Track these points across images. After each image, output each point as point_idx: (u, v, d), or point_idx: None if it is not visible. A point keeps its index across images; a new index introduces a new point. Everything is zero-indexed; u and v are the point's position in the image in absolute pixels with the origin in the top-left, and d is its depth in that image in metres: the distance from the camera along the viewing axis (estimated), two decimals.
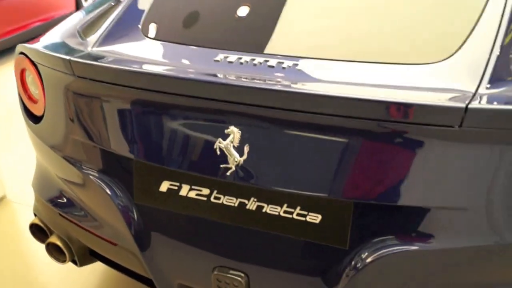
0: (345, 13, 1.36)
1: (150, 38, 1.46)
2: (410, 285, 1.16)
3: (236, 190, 1.19)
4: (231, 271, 1.27)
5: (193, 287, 1.39)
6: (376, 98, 1.04)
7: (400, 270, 1.13)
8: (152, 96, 1.23)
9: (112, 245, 1.46)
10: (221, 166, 1.17)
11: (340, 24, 1.34)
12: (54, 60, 1.36)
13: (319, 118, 1.08)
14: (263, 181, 1.16)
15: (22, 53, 1.52)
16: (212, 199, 1.23)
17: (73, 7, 5.21)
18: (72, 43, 1.50)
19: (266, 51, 1.29)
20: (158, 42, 1.44)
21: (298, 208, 1.15)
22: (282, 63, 1.23)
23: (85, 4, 5.36)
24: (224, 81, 1.17)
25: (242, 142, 1.14)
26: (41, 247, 2.14)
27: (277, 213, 1.17)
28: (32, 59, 1.47)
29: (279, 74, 1.20)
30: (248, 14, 1.42)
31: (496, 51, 1.14)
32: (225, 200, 1.22)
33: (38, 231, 1.73)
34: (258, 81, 1.15)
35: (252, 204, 1.19)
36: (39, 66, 1.46)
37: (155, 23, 1.52)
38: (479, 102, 1.00)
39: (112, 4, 1.77)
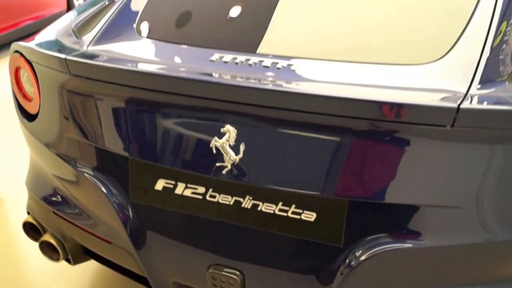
0: (339, 14, 1.37)
1: (145, 37, 1.47)
2: (403, 282, 1.18)
3: (231, 188, 1.21)
4: (226, 269, 1.28)
5: (188, 285, 1.40)
6: (369, 98, 1.06)
7: (393, 268, 1.15)
8: (148, 94, 1.24)
9: (107, 243, 1.46)
10: (217, 164, 1.18)
11: (333, 25, 1.36)
12: (49, 58, 1.37)
13: (313, 117, 1.10)
14: (259, 180, 1.17)
15: (17, 51, 1.52)
16: (207, 197, 1.24)
17: (64, 5, 5.18)
18: (67, 41, 1.50)
19: (261, 51, 1.30)
20: (153, 41, 1.44)
21: (293, 206, 1.17)
22: (277, 63, 1.24)
23: (76, 2, 5.34)
24: (219, 80, 1.19)
25: (238, 140, 1.16)
26: (35, 245, 2.13)
27: (272, 211, 1.19)
28: (27, 57, 1.47)
29: (274, 74, 1.22)
30: (243, 14, 1.43)
31: (487, 52, 1.16)
32: (221, 198, 1.23)
33: (31, 229, 1.73)
34: (253, 81, 1.17)
35: (247, 203, 1.20)
36: (34, 65, 1.46)
37: (150, 22, 1.53)
38: (471, 102, 1.03)
39: (107, 3, 1.77)
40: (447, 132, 1.02)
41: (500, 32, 1.21)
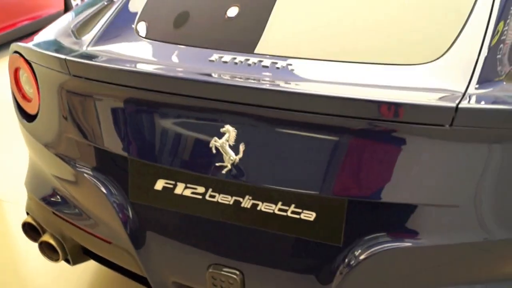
0: (337, 14, 1.38)
1: (144, 38, 1.47)
2: (402, 282, 1.18)
3: (231, 188, 1.21)
4: (226, 269, 1.28)
5: (188, 285, 1.40)
6: (368, 97, 1.07)
7: (393, 267, 1.16)
8: (147, 95, 1.24)
9: (107, 243, 1.46)
10: (217, 164, 1.19)
11: (332, 25, 1.36)
12: (49, 59, 1.37)
13: (313, 117, 1.10)
14: (258, 179, 1.18)
15: (16, 52, 1.53)
16: (207, 197, 1.25)
17: (61, 6, 5.17)
18: (67, 42, 1.50)
19: (260, 51, 1.30)
20: (152, 42, 1.45)
21: (293, 206, 1.17)
22: (276, 63, 1.25)
23: (74, 3, 5.33)
24: (219, 80, 1.19)
25: (237, 140, 1.16)
26: (33, 246, 2.13)
27: (271, 211, 1.19)
28: (27, 58, 1.47)
29: (273, 74, 1.22)
30: (242, 14, 1.43)
31: (484, 51, 1.17)
32: (220, 198, 1.23)
33: (30, 230, 1.73)
34: (252, 81, 1.17)
35: (247, 202, 1.21)
36: (33, 65, 1.46)
37: (149, 23, 1.53)
38: (469, 102, 1.03)
39: (105, 3, 1.77)
40: (446, 132, 1.03)
41: (498, 32, 1.22)
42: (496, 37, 1.21)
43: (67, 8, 5.23)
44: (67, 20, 1.73)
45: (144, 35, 1.47)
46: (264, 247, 1.25)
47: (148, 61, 1.37)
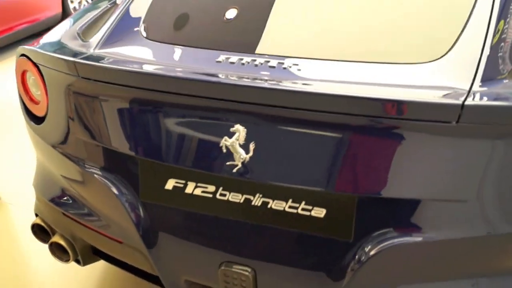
0: (342, 14, 1.39)
1: (150, 39, 1.48)
2: (411, 276, 1.20)
3: (241, 186, 1.23)
4: (238, 266, 1.30)
5: (200, 283, 1.42)
6: (376, 96, 1.09)
7: (402, 261, 1.18)
8: (157, 96, 1.26)
9: (118, 243, 1.48)
10: (227, 163, 1.21)
11: (337, 26, 1.38)
12: (58, 61, 1.38)
13: (322, 115, 1.12)
14: (268, 177, 1.20)
15: (23, 55, 1.54)
16: (217, 196, 1.26)
17: (59, 8, 5.16)
18: (74, 45, 1.52)
19: (267, 52, 1.32)
20: (158, 44, 1.46)
21: (303, 203, 1.19)
22: (283, 63, 1.27)
23: (71, 5, 5.32)
24: (228, 81, 1.21)
25: (247, 139, 1.18)
26: (39, 248, 2.15)
27: (282, 209, 1.21)
28: (35, 61, 1.49)
29: (280, 74, 1.24)
30: (248, 16, 1.45)
31: (487, 50, 1.19)
32: (231, 196, 1.25)
33: (40, 231, 1.74)
34: (260, 81, 1.19)
35: (257, 200, 1.23)
36: (41, 68, 1.48)
37: (154, 25, 1.54)
38: (474, 99, 1.06)
39: (109, 6, 1.79)
40: (452, 128, 1.05)
41: (498, 31, 1.24)
42: (497, 36, 1.23)
43: (64, 10, 5.22)
44: (71, 23, 1.74)
45: (149, 37, 1.49)
46: (275, 244, 1.27)
47: (156, 62, 1.38)
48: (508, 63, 1.21)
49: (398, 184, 1.13)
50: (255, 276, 1.30)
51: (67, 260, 1.70)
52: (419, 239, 1.14)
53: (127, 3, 1.62)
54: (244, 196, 1.24)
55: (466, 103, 1.02)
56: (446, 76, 1.17)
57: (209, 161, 1.24)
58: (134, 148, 1.33)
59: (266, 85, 1.17)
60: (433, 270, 1.20)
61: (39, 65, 1.48)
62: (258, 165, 1.19)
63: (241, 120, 1.18)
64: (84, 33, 1.60)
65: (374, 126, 1.10)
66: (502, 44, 1.23)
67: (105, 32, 1.52)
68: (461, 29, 1.25)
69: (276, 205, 1.22)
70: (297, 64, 1.26)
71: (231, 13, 1.46)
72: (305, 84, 1.21)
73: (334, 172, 1.16)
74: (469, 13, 1.28)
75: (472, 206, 1.12)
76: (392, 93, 1.12)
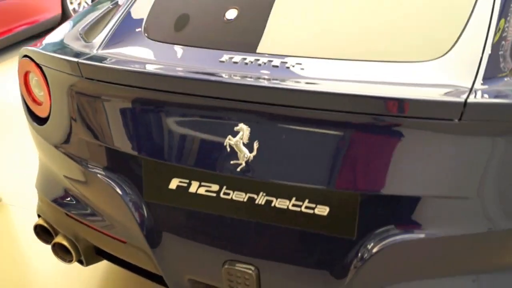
0: (344, 13, 1.40)
1: (152, 40, 1.49)
2: (414, 272, 1.21)
3: (245, 185, 1.24)
4: (242, 265, 1.31)
5: (204, 282, 1.42)
6: (379, 94, 1.10)
7: (405, 258, 1.19)
8: (160, 96, 1.27)
9: (121, 242, 1.49)
10: (231, 162, 1.21)
11: (339, 25, 1.39)
12: (61, 62, 1.39)
13: (326, 114, 1.13)
14: (272, 176, 1.20)
15: (26, 56, 1.54)
16: (221, 195, 1.27)
17: (59, 9, 5.16)
18: (77, 46, 1.52)
19: (270, 51, 1.33)
20: (160, 44, 1.47)
21: (307, 201, 1.20)
22: (286, 62, 1.28)
23: (71, 6, 5.32)
24: (232, 80, 1.21)
25: (251, 138, 1.19)
26: (41, 249, 2.16)
27: (285, 207, 1.22)
28: (38, 62, 1.49)
29: (283, 73, 1.25)
30: (250, 16, 1.46)
31: (488, 49, 1.20)
32: (235, 195, 1.26)
33: (42, 232, 1.74)
34: (264, 80, 1.20)
35: (261, 199, 1.23)
36: (44, 69, 1.48)
37: (156, 25, 1.55)
38: (477, 97, 1.07)
39: (110, 6, 1.79)
40: (455, 126, 1.06)
41: (499, 29, 1.25)
42: (498, 34, 1.24)
43: (64, 12, 5.23)
44: (73, 24, 1.75)
45: (151, 37, 1.50)
46: (278, 242, 1.27)
47: (160, 62, 1.39)
48: (509, 61, 1.22)
49: (401, 182, 1.13)
50: (258, 275, 1.30)
51: (70, 261, 1.70)
52: (422, 236, 1.15)
53: (130, 3, 1.63)
54: (248, 194, 1.24)
55: (468, 100, 1.03)
56: (448, 74, 1.18)
57: (213, 160, 1.25)
58: (138, 148, 1.33)
59: (269, 84, 1.18)
60: (435, 267, 1.21)
61: (42, 66, 1.49)
62: (262, 163, 1.19)
63: (245, 119, 1.19)
64: (87, 34, 1.61)
65: (377, 124, 1.11)
66: (503, 42, 1.24)
67: (108, 33, 1.53)
68: (462, 28, 1.26)
69: (279, 203, 1.22)
70: (300, 63, 1.26)
71: (233, 13, 1.47)
72: (308, 83, 1.22)
73: (337, 170, 1.16)
74: (470, 12, 1.29)
75: (474, 203, 1.13)
76: (395, 91, 1.13)
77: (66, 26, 1.76)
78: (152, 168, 1.34)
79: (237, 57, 1.31)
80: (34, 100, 1.59)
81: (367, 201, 1.17)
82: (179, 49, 1.43)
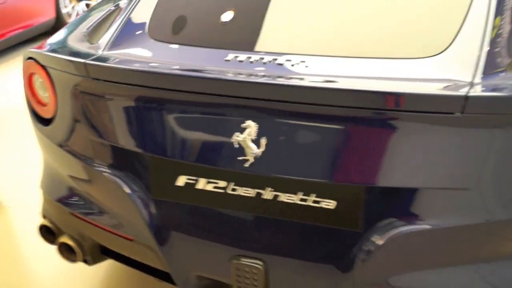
0: (346, 12, 1.44)
1: (157, 40, 1.51)
2: (419, 263, 1.24)
3: (252, 181, 1.26)
4: (249, 260, 1.33)
5: (212, 278, 1.44)
6: (385, 90, 1.13)
7: (410, 249, 1.22)
8: (167, 94, 1.29)
9: (128, 240, 1.50)
10: (239, 158, 1.24)
11: (342, 23, 1.42)
12: (68, 63, 1.41)
13: (331, 110, 1.16)
14: (279, 171, 1.23)
15: (30, 58, 1.56)
16: (229, 191, 1.29)
17: (53, 13, 5.16)
18: (82, 47, 1.54)
19: (274, 50, 1.36)
20: (165, 44, 1.49)
21: (313, 195, 1.23)
22: (290, 60, 1.30)
23: (64, 10, 5.32)
24: (238, 78, 1.24)
25: (258, 135, 1.21)
26: (43, 251, 2.16)
27: (292, 201, 1.24)
28: (43, 63, 1.51)
29: (288, 71, 1.28)
30: (255, 16, 1.48)
31: (486, 44, 1.24)
32: (242, 191, 1.28)
33: (47, 233, 1.75)
34: (269, 78, 1.23)
35: (268, 194, 1.26)
36: (50, 70, 1.50)
37: (160, 26, 1.57)
38: (477, 91, 1.10)
39: (113, 8, 1.81)
40: (457, 119, 1.10)
41: (496, 26, 1.29)
42: (495, 31, 1.28)
43: (58, 15, 5.22)
44: (75, 26, 1.76)
45: (156, 38, 1.52)
46: (286, 236, 1.30)
47: (166, 62, 1.41)
48: (506, 57, 1.25)
49: (405, 174, 1.17)
50: (266, 269, 1.33)
51: (75, 260, 1.71)
52: (425, 227, 1.18)
53: (133, 5, 1.65)
54: (255, 190, 1.27)
55: (469, 94, 1.07)
56: (449, 69, 1.21)
57: (220, 157, 1.27)
58: (145, 146, 1.35)
59: (274, 81, 1.21)
60: (438, 257, 1.24)
61: (47, 68, 1.50)
62: (269, 159, 1.22)
63: (252, 116, 1.21)
64: (91, 36, 1.62)
65: (381, 118, 1.15)
66: (499, 39, 1.27)
67: (113, 34, 1.55)
68: (460, 25, 1.29)
69: (286, 198, 1.25)
70: (304, 61, 1.29)
71: (237, 13, 1.49)
72: (313, 79, 1.25)
73: (343, 164, 1.20)
74: (467, 9, 1.33)
75: (476, 194, 1.16)
76: (399, 86, 1.16)
77: (68, 28, 1.77)
78: (159, 166, 1.36)
79: (242, 56, 1.33)
80: (38, 102, 1.60)
81: (373, 194, 1.20)
82: (184, 49, 1.45)
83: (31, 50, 1.56)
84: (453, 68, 1.21)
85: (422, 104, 1.11)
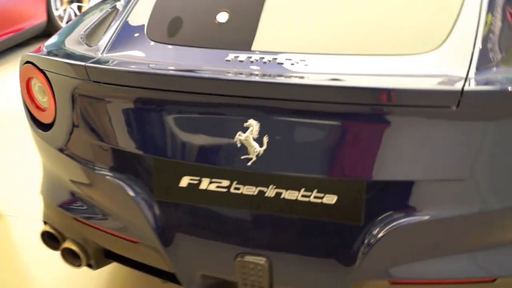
0: (345, 11, 1.45)
1: (156, 42, 1.51)
2: (419, 254, 1.27)
3: (255, 179, 1.27)
4: (254, 257, 1.34)
5: (217, 276, 1.45)
6: (384, 86, 1.15)
7: (410, 240, 1.24)
8: (169, 95, 1.30)
9: (133, 243, 1.51)
10: (242, 157, 1.25)
11: (339, 21, 1.43)
12: (67, 67, 1.40)
13: (331, 106, 1.18)
14: (282, 168, 1.24)
15: (28, 62, 1.55)
16: (232, 190, 1.30)
17: (44, 16, 5.13)
18: (80, 50, 1.53)
19: (273, 49, 1.37)
20: (164, 46, 1.49)
21: (315, 191, 1.24)
22: (290, 59, 1.32)
23: (56, 13, 5.29)
24: (239, 78, 1.25)
25: (261, 133, 1.22)
26: (42, 257, 2.16)
27: (295, 198, 1.26)
28: (41, 67, 1.50)
29: (289, 70, 1.29)
30: (253, 16, 1.49)
31: (479, 40, 1.28)
32: (245, 189, 1.29)
33: (49, 239, 1.75)
34: (270, 77, 1.24)
35: (271, 191, 1.27)
36: (48, 74, 1.49)
37: (158, 28, 1.57)
38: (472, 85, 1.14)
39: (109, 10, 1.81)
40: (453, 113, 1.12)
41: (487, 23, 1.32)
42: (487, 28, 1.31)
43: (50, 18, 5.19)
44: (71, 29, 1.76)
45: (155, 39, 1.52)
46: (289, 233, 1.31)
47: (166, 63, 1.41)
48: (498, 52, 1.29)
49: (404, 167, 1.19)
50: (270, 265, 1.34)
51: (79, 265, 1.71)
52: (425, 218, 1.21)
53: (130, 7, 1.65)
54: (258, 188, 1.28)
55: (465, 88, 1.10)
56: (443, 65, 1.24)
57: (223, 157, 1.28)
58: (148, 148, 1.36)
59: (275, 80, 1.22)
60: (436, 247, 1.27)
61: (46, 72, 1.50)
62: (271, 157, 1.23)
63: (253, 115, 1.22)
64: (88, 38, 1.62)
65: (380, 114, 1.17)
66: (491, 34, 1.31)
67: (111, 36, 1.55)
68: (453, 22, 1.33)
69: (289, 195, 1.26)
70: (304, 60, 1.31)
71: (236, 13, 1.50)
72: (312, 77, 1.26)
73: (344, 159, 1.22)
74: (460, 6, 1.36)
75: (473, 184, 1.19)
76: (397, 83, 1.18)
77: (64, 31, 1.77)
78: (162, 167, 1.36)
79: (243, 56, 1.34)
80: (37, 107, 1.60)
81: (373, 187, 1.22)
82: (183, 50, 1.45)
83: (29, 54, 1.56)
84: (448, 63, 1.24)
85: (420, 99, 1.14)
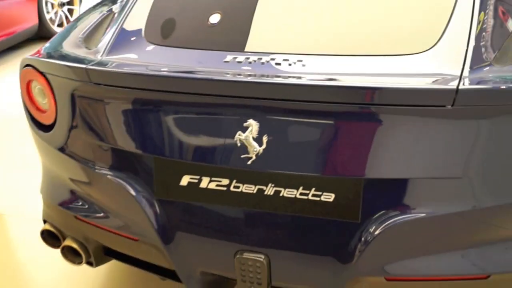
0: (340, 13, 1.49)
1: (154, 43, 1.54)
2: (415, 250, 1.31)
3: (254, 177, 1.31)
4: (253, 254, 1.37)
5: (216, 273, 1.49)
6: (380, 85, 1.19)
7: (407, 237, 1.28)
8: (169, 96, 1.33)
9: (133, 241, 1.54)
10: (241, 156, 1.28)
11: (335, 24, 1.48)
12: (68, 69, 1.43)
13: (329, 106, 1.22)
14: (281, 167, 1.28)
15: (28, 65, 1.58)
16: (231, 189, 1.34)
17: (36, 20, 5.12)
18: (80, 52, 1.56)
19: (271, 50, 1.41)
20: (162, 47, 1.53)
21: (313, 189, 1.28)
22: (288, 60, 1.36)
23: (47, 16, 5.29)
24: (238, 79, 1.29)
25: (260, 133, 1.26)
26: (41, 256, 2.18)
27: (293, 196, 1.30)
28: (42, 70, 1.53)
29: (287, 70, 1.33)
30: (250, 17, 1.52)
31: (472, 40, 1.31)
32: (244, 188, 1.33)
33: (49, 237, 1.77)
34: (268, 77, 1.28)
35: (270, 190, 1.31)
36: (49, 77, 1.52)
37: (156, 30, 1.60)
38: (467, 84, 1.17)
39: (106, 13, 1.84)
40: (448, 111, 1.16)
41: (480, 22, 1.36)
42: (479, 27, 1.35)
43: (41, 21, 5.18)
44: (69, 32, 1.79)
45: (153, 41, 1.55)
46: (287, 230, 1.35)
47: (166, 65, 1.44)
48: (491, 51, 1.33)
49: (401, 166, 1.23)
50: (269, 262, 1.37)
51: (79, 263, 1.74)
52: (421, 215, 1.25)
53: (128, 9, 1.68)
54: (257, 186, 1.32)
55: (460, 87, 1.14)
56: (438, 65, 1.28)
57: (223, 156, 1.32)
58: (149, 148, 1.39)
59: (274, 80, 1.26)
60: (433, 244, 1.31)
61: (46, 74, 1.53)
62: (270, 156, 1.27)
63: (253, 115, 1.26)
64: (87, 41, 1.65)
65: (377, 113, 1.21)
66: (484, 33, 1.35)
67: (110, 39, 1.58)
68: (446, 22, 1.36)
69: (287, 193, 1.30)
70: (301, 60, 1.35)
71: (234, 15, 1.54)
72: (310, 78, 1.30)
73: (342, 158, 1.25)
74: (453, 5, 1.40)
75: (468, 182, 1.23)
76: (393, 82, 1.22)
77: (62, 35, 1.79)
78: (163, 166, 1.39)
79: (241, 57, 1.38)
80: (38, 109, 1.62)
81: (370, 185, 1.26)
82: (182, 52, 1.49)
83: (29, 57, 1.58)
84: (442, 63, 1.28)
85: (416, 98, 1.17)
